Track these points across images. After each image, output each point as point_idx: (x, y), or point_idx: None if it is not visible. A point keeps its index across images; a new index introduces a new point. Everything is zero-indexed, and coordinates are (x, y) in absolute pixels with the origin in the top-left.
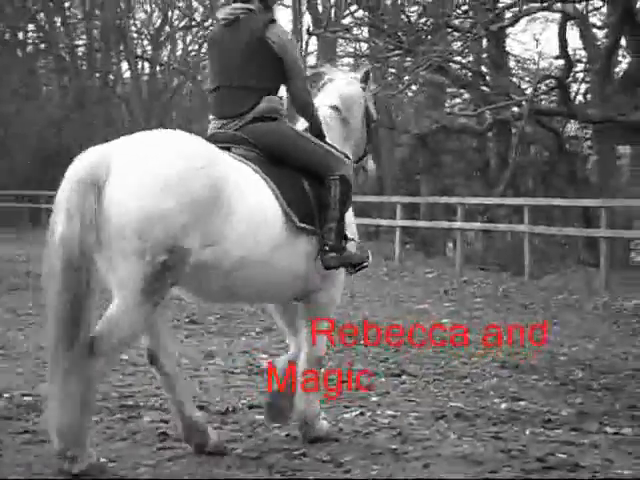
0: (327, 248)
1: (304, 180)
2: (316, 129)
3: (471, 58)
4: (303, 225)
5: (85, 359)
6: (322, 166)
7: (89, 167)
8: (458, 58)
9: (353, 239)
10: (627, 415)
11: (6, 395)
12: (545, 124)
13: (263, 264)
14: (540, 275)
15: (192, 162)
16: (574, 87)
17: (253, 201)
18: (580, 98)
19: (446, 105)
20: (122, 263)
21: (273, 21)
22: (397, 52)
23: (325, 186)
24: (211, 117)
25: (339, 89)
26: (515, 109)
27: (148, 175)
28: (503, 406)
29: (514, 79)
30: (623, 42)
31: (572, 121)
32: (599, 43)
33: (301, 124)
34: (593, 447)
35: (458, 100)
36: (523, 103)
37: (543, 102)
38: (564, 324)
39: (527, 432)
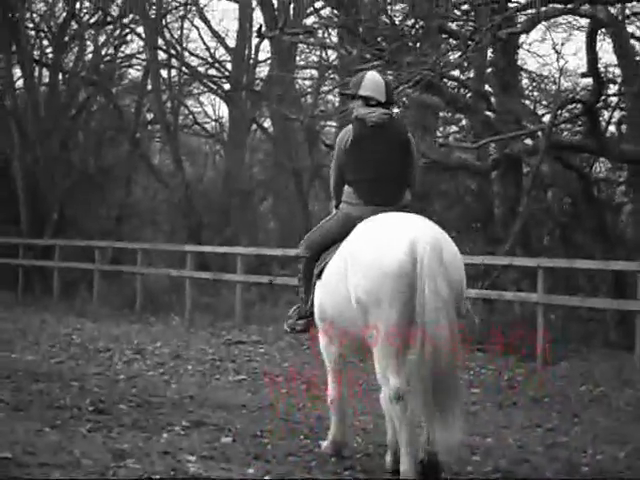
0: None
1: None
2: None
3: (472, 74)
4: None
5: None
6: None
7: (436, 241)
8: (455, 73)
9: None
10: None
11: None
12: (567, 162)
13: None
14: (557, 360)
15: None
16: (605, 115)
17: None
18: (613, 129)
19: (438, 134)
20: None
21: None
22: (375, 63)
23: None
24: (357, 201)
25: None
26: (528, 141)
27: (457, 254)
28: None
29: (527, 102)
30: None
31: (602, 159)
32: (639, 59)
33: None
34: None
35: (454, 128)
36: (539, 134)
37: (565, 133)
38: (588, 424)
39: None
